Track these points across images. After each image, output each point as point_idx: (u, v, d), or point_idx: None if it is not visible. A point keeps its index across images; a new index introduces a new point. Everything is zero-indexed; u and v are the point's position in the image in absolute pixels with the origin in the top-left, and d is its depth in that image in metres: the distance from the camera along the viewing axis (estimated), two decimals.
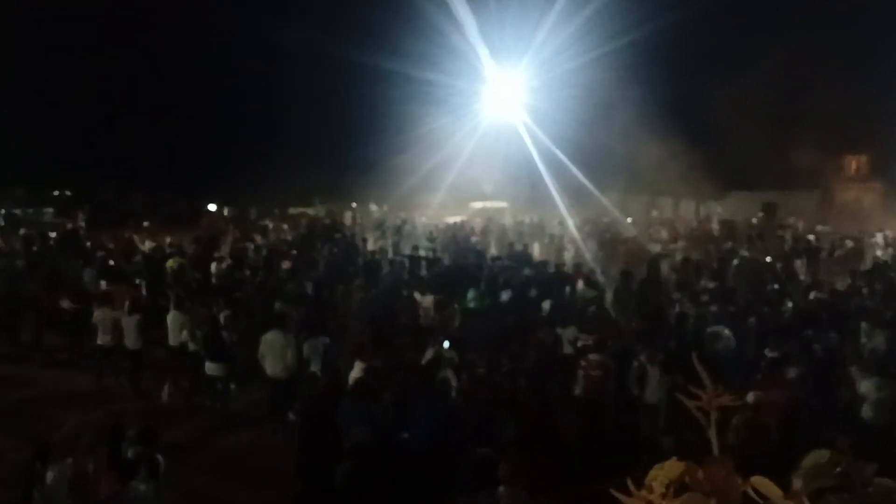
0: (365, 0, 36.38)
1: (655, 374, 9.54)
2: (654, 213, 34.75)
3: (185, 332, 12.52)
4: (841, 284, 16.64)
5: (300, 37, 32.26)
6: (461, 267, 17.84)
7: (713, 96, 32.46)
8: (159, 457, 6.87)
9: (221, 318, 12.36)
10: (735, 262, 19.55)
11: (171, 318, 12.96)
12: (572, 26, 30.75)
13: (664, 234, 27.23)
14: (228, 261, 19.07)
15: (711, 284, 15.90)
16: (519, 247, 21.89)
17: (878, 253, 23.51)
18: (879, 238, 25.43)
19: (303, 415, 8.78)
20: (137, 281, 16.82)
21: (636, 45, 30.20)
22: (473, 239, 23.96)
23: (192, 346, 12.16)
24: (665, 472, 1.69)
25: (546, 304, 13.62)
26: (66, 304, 15.10)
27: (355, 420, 8.17)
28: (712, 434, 1.80)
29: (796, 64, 33.24)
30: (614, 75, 31.13)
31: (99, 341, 13.32)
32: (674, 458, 1.72)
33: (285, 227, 29.18)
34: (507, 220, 31.27)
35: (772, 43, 35.04)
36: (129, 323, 12.95)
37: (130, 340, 12.89)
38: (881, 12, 33.42)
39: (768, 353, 10.09)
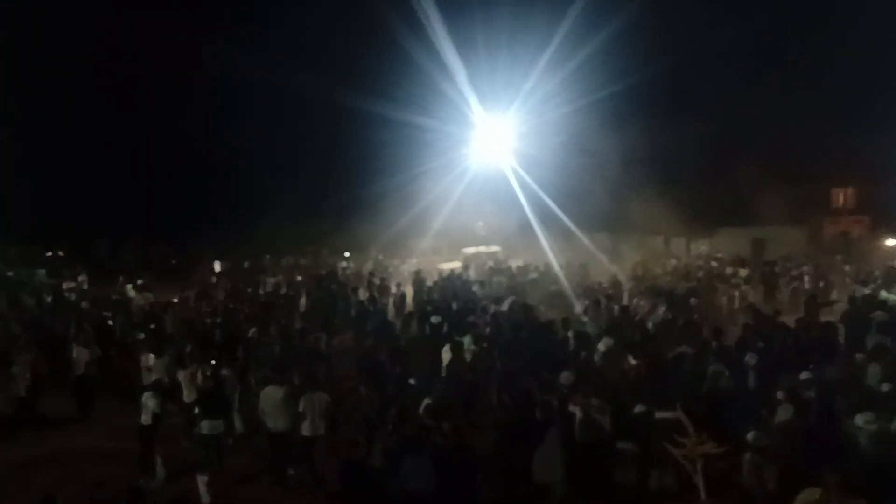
0: (357, 48, 36.85)
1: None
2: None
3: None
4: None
5: (292, 84, 32.63)
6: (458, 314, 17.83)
7: (699, 136, 32.92)
8: None
9: (219, 373, 12.40)
10: None
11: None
12: (559, 75, 31.29)
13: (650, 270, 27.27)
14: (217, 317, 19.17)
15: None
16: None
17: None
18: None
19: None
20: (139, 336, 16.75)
21: (622, 92, 30.81)
22: (475, 288, 23.83)
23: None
24: None
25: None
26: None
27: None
28: (699, 480, 1.87)
29: (780, 102, 33.83)
30: (601, 121, 31.66)
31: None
32: None
33: (279, 279, 29.08)
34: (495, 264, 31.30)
35: (755, 82, 35.68)
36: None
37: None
38: (862, 49, 34.05)
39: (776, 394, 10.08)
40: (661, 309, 17.51)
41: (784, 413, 9.51)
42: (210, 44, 33.53)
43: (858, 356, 12.46)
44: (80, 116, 40.14)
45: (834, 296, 21.98)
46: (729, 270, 26.16)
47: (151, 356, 14.38)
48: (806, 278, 24.63)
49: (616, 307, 18.44)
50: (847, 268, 26.24)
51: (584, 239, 32.15)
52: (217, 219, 39.53)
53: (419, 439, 8.78)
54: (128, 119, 41.23)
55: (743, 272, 25.49)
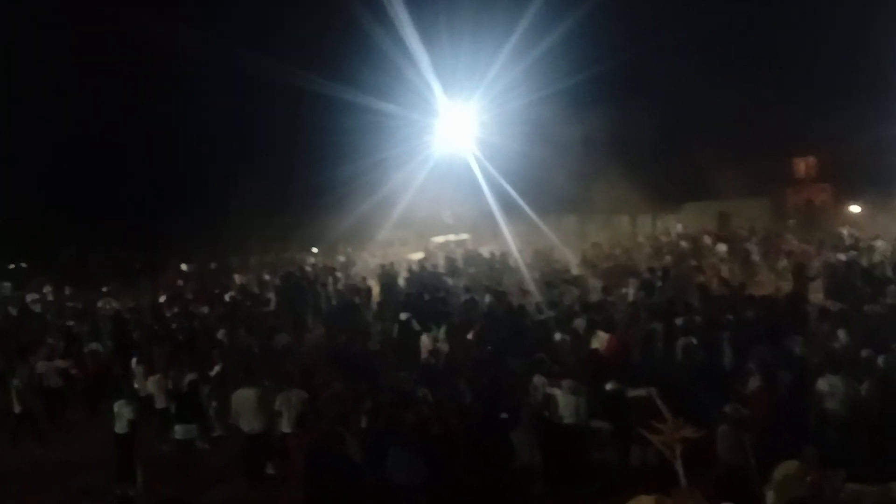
0: (317, 32, 36.12)
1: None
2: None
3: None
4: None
5: (254, 70, 31.72)
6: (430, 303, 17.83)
7: (660, 115, 33.21)
8: None
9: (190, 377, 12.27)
10: None
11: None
12: (522, 64, 31.31)
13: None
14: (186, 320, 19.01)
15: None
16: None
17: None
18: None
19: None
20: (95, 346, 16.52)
21: (582, 79, 30.99)
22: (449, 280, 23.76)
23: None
24: None
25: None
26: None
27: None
28: (678, 466, 1.83)
29: (738, 75, 34.14)
30: (562, 108, 31.85)
31: None
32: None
33: (247, 278, 28.84)
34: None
35: (711, 58, 35.96)
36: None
37: None
38: (816, 18, 34.43)
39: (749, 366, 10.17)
40: (658, 285, 17.75)
41: (754, 384, 9.64)
42: (165, 30, 31.90)
43: (824, 325, 12.67)
44: (29, 120, 38.30)
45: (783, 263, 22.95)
46: (707, 240, 26.65)
47: (134, 363, 14.19)
48: (754, 249, 25.10)
49: (577, 290, 18.58)
50: (795, 240, 26.69)
51: (551, 223, 32.26)
52: (180, 219, 38.83)
53: (405, 431, 8.78)
54: (79, 121, 39.54)
55: (723, 247, 25.82)
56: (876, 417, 8.88)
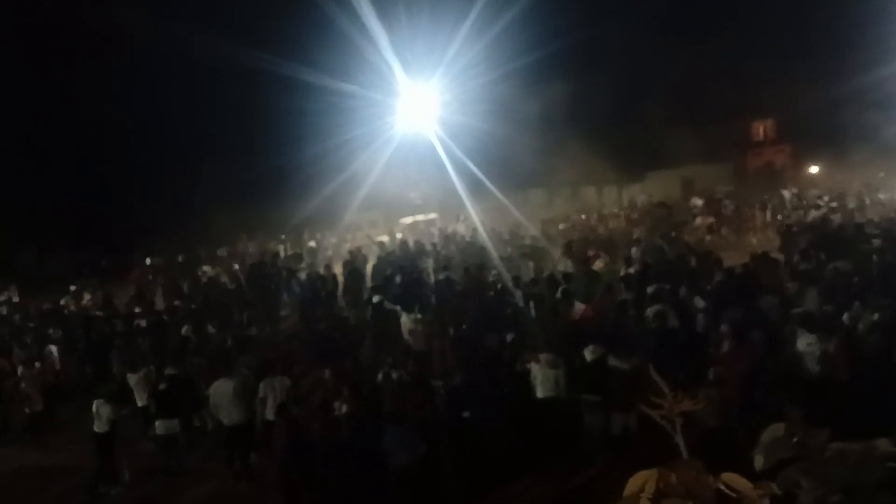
0: (275, 12, 35.45)
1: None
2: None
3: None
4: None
5: (209, 54, 30.94)
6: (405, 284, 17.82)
7: (621, 87, 33.43)
8: None
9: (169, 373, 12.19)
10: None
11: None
12: (482, 42, 31.25)
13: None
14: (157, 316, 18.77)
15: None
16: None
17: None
18: None
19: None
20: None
21: (543, 54, 31.00)
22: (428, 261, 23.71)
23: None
24: (642, 481, 1.77)
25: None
26: None
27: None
28: (679, 439, 1.86)
29: (693, 43, 34.40)
30: (524, 83, 31.94)
31: None
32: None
33: (217, 270, 28.53)
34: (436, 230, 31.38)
35: (667, 26, 36.17)
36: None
37: None
38: None
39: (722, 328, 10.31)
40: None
41: (727, 346, 9.79)
42: (113, 15, 30.67)
43: (791, 284, 12.87)
44: None
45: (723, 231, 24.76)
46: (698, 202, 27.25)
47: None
48: (698, 219, 25.75)
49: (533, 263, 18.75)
50: (732, 204, 27.31)
51: (519, 198, 32.45)
52: (142, 213, 38.27)
53: (400, 411, 8.84)
54: (26, 117, 38.29)
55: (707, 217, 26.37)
56: (845, 374, 9.07)
